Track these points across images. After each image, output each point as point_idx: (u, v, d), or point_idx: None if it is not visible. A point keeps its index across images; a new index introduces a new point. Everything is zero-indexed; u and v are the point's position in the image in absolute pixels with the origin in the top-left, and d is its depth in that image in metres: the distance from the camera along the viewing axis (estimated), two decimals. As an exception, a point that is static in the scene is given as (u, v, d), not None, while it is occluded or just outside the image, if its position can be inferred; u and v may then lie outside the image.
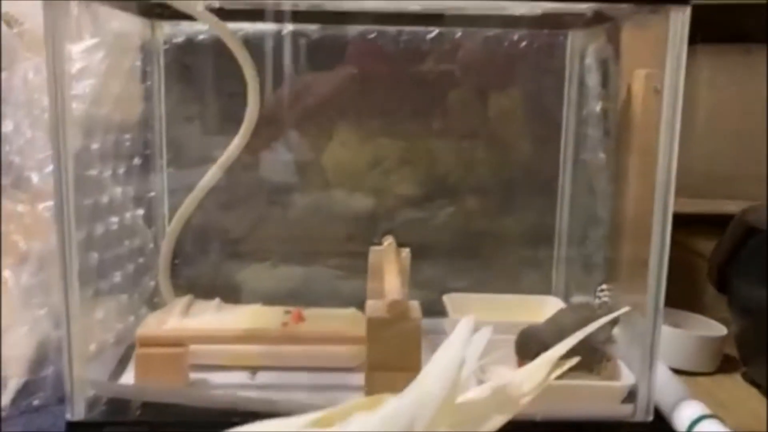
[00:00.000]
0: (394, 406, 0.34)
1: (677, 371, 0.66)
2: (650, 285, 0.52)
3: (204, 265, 0.74)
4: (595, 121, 0.69)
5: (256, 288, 0.74)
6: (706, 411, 0.52)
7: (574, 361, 0.43)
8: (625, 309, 0.52)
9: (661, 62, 0.50)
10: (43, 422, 0.54)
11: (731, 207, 0.82)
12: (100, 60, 0.60)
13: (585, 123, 0.70)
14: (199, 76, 0.73)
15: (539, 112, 0.74)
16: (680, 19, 0.49)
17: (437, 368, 0.36)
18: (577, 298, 0.71)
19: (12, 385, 0.57)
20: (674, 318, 0.71)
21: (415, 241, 0.73)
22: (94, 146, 0.62)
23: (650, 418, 0.53)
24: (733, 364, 0.68)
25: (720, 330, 0.68)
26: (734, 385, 0.65)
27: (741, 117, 0.87)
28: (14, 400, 0.56)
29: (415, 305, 0.55)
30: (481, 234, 0.76)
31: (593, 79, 0.69)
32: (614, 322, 0.58)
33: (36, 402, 0.56)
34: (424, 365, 0.39)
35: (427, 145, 0.75)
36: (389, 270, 0.60)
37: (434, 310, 0.69)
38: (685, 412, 0.52)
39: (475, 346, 0.38)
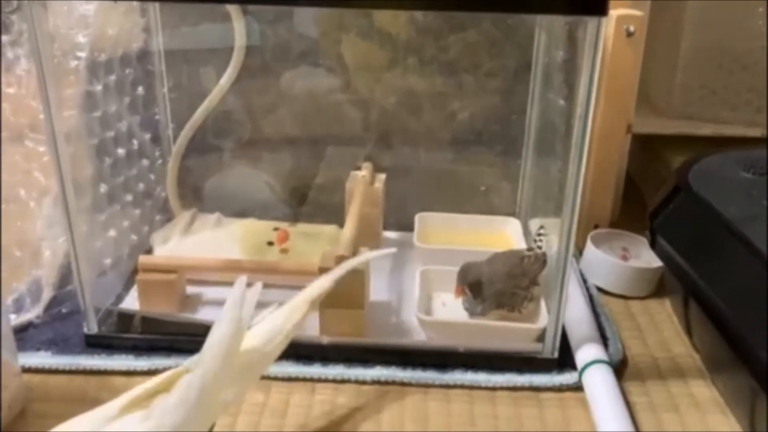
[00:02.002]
0: (186, 381, 0.42)
1: (614, 294, 0.76)
2: (560, 249, 0.59)
3: (206, 179, 0.84)
4: (560, 65, 0.72)
5: (253, 200, 0.84)
6: (599, 356, 0.61)
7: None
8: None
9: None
10: (68, 330, 0.67)
11: (706, 130, 0.86)
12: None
13: (552, 65, 0.74)
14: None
15: (513, 50, 0.78)
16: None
17: (216, 336, 0.44)
18: (534, 220, 0.79)
19: (45, 296, 0.70)
20: (629, 242, 0.79)
21: (394, 165, 0.82)
22: (98, 88, 0.71)
23: (556, 355, 0.63)
24: (667, 290, 0.76)
25: (657, 261, 0.75)
26: (659, 311, 0.74)
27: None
28: (46, 309, 0.69)
29: (363, 252, 0.64)
30: (456, 161, 0.83)
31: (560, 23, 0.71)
32: (542, 265, 0.67)
33: (63, 310, 0.69)
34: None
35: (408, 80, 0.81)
36: (351, 213, 0.69)
37: (410, 225, 0.79)
38: (582, 354, 0.62)
39: (248, 303, 0.46)
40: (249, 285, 0.47)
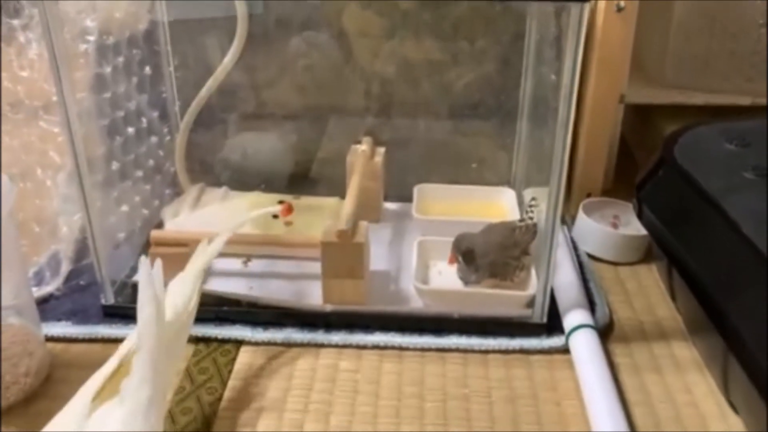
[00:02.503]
0: (139, 361, 0.47)
1: (604, 261, 0.79)
2: (548, 218, 0.62)
3: (214, 153, 0.87)
4: (551, 41, 0.74)
5: (258, 174, 0.87)
6: (585, 321, 0.65)
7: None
8: None
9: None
10: (86, 301, 0.71)
11: (698, 99, 0.89)
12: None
13: (543, 40, 0.76)
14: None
15: (507, 24, 0.80)
16: None
17: (145, 317, 0.48)
18: (528, 190, 0.82)
19: (63, 269, 0.74)
20: (621, 209, 0.82)
21: (394, 138, 0.85)
22: (107, 69, 0.74)
23: (545, 320, 0.67)
24: (655, 256, 0.79)
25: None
26: (646, 276, 0.77)
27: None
28: (65, 282, 0.73)
29: (363, 225, 0.67)
30: (453, 133, 0.86)
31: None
32: (533, 236, 0.70)
33: (81, 282, 0.74)
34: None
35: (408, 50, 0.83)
36: (352, 187, 0.73)
37: (410, 196, 0.82)
38: (569, 319, 0.66)
39: (158, 280, 0.51)
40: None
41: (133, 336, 0.51)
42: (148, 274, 0.50)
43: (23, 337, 0.61)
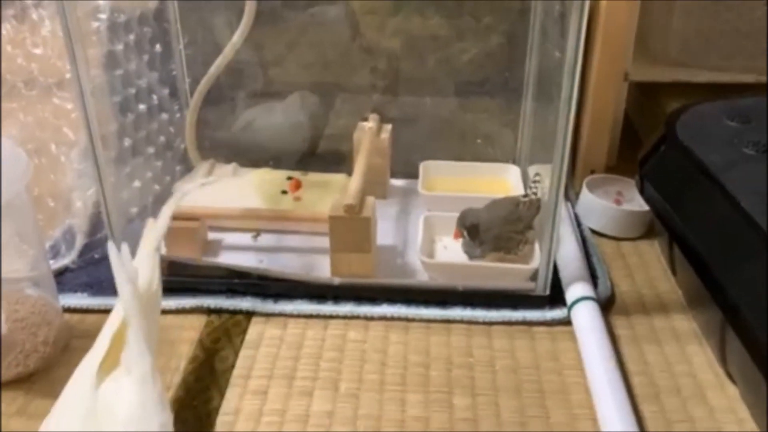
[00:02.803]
0: (132, 335, 0.49)
1: (607, 236, 0.81)
2: (551, 193, 0.64)
3: (223, 130, 0.89)
4: (556, 18, 0.75)
5: (266, 151, 0.89)
6: (587, 293, 0.67)
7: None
8: None
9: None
10: (101, 274, 0.73)
11: (702, 77, 0.89)
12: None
13: (548, 17, 0.77)
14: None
15: (513, 2, 0.81)
16: None
17: (125, 296, 0.51)
18: (533, 167, 0.83)
19: (78, 243, 0.76)
20: (624, 186, 0.84)
21: (400, 115, 0.86)
22: (119, 47, 0.75)
23: (547, 292, 0.68)
24: (656, 232, 0.81)
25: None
26: (648, 251, 0.79)
27: None
28: (80, 255, 0.75)
29: (370, 201, 0.69)
30: (459, 110, 0.87)
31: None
32: (536, 211, 0.72)
33: (96, 256, 0.75)
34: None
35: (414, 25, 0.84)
36: (359, 163, 0.74)
37: (416, 172, 0.83)
38: (571, 292, 0.67)
39: (126, 260, 0.54)
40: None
41: (117, 311, 0.53)
42: (117, 255, 0.53)
43: (41, 307, 0.63)
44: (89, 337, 0.65)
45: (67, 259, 0.74)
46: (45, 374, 0.61)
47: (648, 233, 0.81)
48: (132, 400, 0.47)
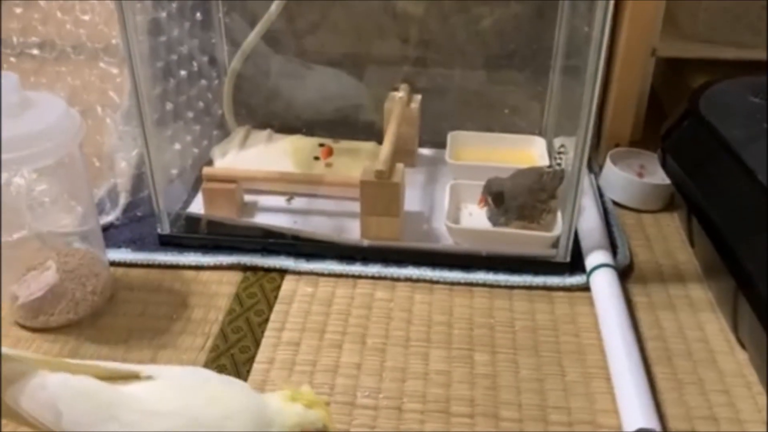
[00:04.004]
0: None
1: (629, 208, 0.83)
2: (574, 164, 0.66)
3: (259, 97, 0.92)
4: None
5: (299, 118, 0.92)
6: (606, 261, 0.69)
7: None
8: None
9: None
10: (143, 230, 0.77)
11: (728, 53, 0.91)
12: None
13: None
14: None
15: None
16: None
17: None
18: (558, 139, 0.85)
19: (122, 201, 0.80)
20: (647, 159, 0.86)
21: (430, 86, 0.88)
22: (163, 14, 0.78)
23: (568, 259, 0.71)
24: (677, 205, 0.83)
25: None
26: (668, 223, 0.81)
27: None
28: (123, 212, 0.79)
29: (399, 167, 0.72)
30: (488, 82, 0.89)
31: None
32: (560, 181, 0.74)
33: (139, 213, 0.80)
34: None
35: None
36: (389, 132, 0.77)
37: (444, 142, 0.86)
38: (591, 259, 0.70)
39: None
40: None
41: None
42: None
43: (90, 260, 0.67)
44: (133, 289, 0.70)
45: (111, 216, 0.78)
46: (93, 321, 0.66)
47: (669, 206, 0.83)
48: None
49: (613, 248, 0.74)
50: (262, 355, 0.62)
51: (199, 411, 0.46)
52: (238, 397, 0.47)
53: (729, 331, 0.65)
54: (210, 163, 0.84)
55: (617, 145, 0.90)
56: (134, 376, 0.47)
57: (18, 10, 0.82)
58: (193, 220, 0.77)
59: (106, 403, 0.45)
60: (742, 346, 0.63)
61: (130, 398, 0.46)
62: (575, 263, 0.71)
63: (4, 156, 0.56)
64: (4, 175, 0.60)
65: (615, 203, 0.83)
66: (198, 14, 0.85)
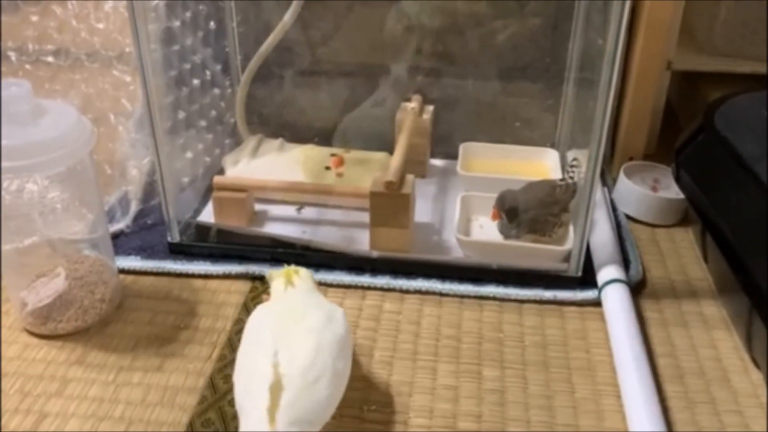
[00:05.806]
0: None
1: (642, 222, 0.82)
2: (587, 178, 0.66)
3: (271, 107, 0.92)
4: (600, 6, 0.76)
5: (311, 128, 0.92)
6: (618, 276, 0.68)
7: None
8: None
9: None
10: (153, 238, 0.77)
11: (745, 67, 0.90)
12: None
13: (593, 5, 0.78)
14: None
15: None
16: None
17: None
18: (571, 152, 0.85)
19: (132, 209, 0.80)
20: (661, 173, 0.85)
21: (442, 97, 0.88)
22: (176, 24, 0.78)
23: (579, 273, 0.70)
24: (691, 220, 0.82)
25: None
26: (682, 238, 0.80)
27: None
28: (134, 220, 0.79)
29: (410, 178, 0.72)
30: (501, 94, 0.89)
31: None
32: (572, 195, 0.73)
33: (149, 221, 0.80)
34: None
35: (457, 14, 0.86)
36: (400, 142, 0.77)
37: (456, 153, 0.86)
38: (603, 274, 0.69)
39: None
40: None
41: None
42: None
43: (99, 267, 0.67)
44: (142, 297, 0.70)
45: (121, 224, 0.78)
46: (101, 328, 0.66)
47: (683, 221, 0.82)
48: None
49: (626, 263, 0.73)
50: (268, 365, 0.62)
51: None
52: None
53: (743, 350, 0.64)
54: (221, 171, 0.84)
55: (631, 159, 0.89)
56: None
57: (34, 18, 0.82)
58: (203, 229, 0.77)
59: None
60: (757, 365, 0.62)
61: None
62: (587, 278, 0.71)
63: (16, 163, 0.56)
64: (17, 182, 0.60)
65: (628, 217, 0.83)
66: (211, 23, 0.85)
